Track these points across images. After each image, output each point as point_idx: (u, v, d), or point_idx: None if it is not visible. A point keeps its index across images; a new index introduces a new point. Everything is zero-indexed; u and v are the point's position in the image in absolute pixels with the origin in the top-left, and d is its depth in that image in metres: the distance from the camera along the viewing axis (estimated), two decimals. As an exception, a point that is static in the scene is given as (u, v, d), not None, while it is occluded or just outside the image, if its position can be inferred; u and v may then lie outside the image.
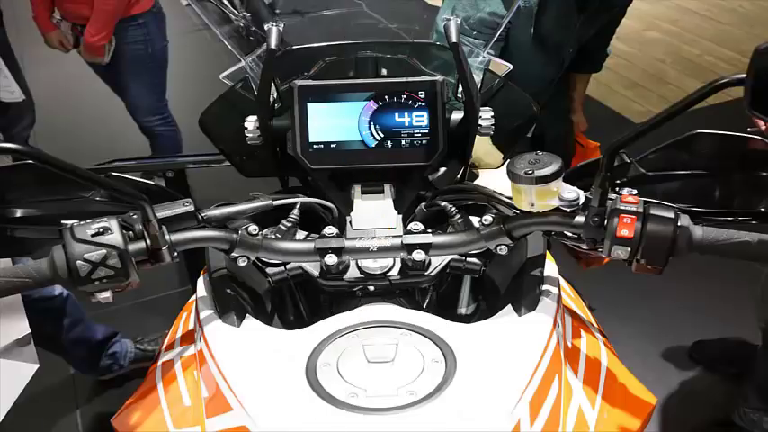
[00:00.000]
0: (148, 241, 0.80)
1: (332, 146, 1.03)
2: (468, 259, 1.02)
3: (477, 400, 0.75)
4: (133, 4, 2.58)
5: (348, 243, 0.92)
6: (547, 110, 1.53)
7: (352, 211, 1.03)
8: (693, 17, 5.16)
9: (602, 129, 2.54)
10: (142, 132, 2.95)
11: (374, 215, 1.02)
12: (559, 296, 0.94)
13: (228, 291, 0.95)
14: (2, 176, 0.96)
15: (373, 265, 0.96)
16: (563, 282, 1.05)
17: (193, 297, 1.00)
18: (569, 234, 0.88)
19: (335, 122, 1.02)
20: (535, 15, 1.86)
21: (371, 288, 0.97)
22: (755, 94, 0.67)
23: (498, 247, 0.92)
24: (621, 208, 0.79)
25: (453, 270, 1.02)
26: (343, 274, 0.95)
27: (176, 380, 0.92)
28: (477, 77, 1.14)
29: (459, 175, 1.16)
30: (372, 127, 1.02)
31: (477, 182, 1.24)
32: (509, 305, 0.91)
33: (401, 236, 0.92)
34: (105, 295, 0.79)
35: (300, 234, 1.04)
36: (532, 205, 0.84)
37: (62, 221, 0.79)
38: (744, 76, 0.67)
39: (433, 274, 0.97)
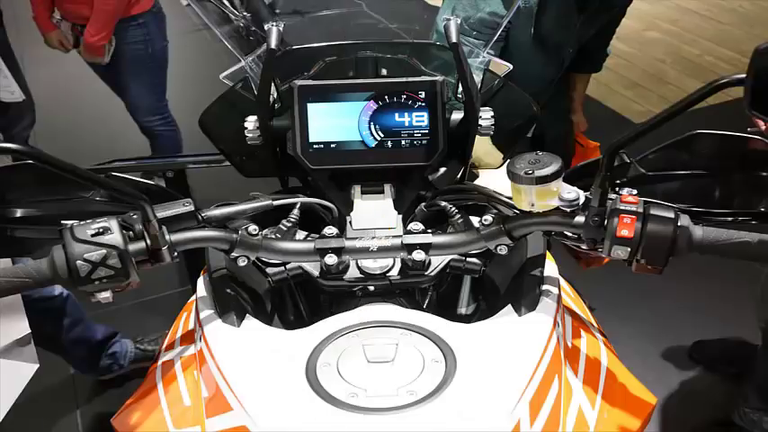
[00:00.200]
0: (148, 241, 0.80)
1: (332, 146, 1.03)
2: (468, 259, 1.02)
3: (477, 400, 0.75)
4: (133, 4, 2.57)
5: (348, 243, 0.92)
6: (547, 110, 1.53)
7: (352, 211, 1.03)
8: (693, 17, 5.16)
9: (602, 129, 2.54)
10: (142, 132, 2.95)
11: (374, 215, 1.02)
12: (559, 296, 0.94)
13: (228, 291, 0.95)
14: (2, 176, 0.96)
15: (373, 265, 0.96)
16: (563, 282, 1.05)
17: (193, 297, 1.00)
18: (569, 234, 0.88)
19: (335, 122, 1.02)
20: (535, 15, 1.85)
21: (371, 288, 0.97)
22: (755, 94, 0.67)
23: (498, 247, 0.92)
24: (621, 208, 0.79)
25: (453, 270, 1.02)
26: (343, 274, 0.95)
27: (176, 380, 0.92)
28: (477, 77, 1.14)
29: (459, 175, 1.16)
30: (372, 127, 1.02)
31: (477, 182, 1.24)
32: (509, 305, 0.91)
33: (401, 236, 0.92)
34: (105, 295, 0.79)
35: (300, 234, 1.04)
36: (532, 205, 0.84)
37: (62, 221, 0.79)
38: (744, 76, 0.67)
39: (432, 274, 0.97)
